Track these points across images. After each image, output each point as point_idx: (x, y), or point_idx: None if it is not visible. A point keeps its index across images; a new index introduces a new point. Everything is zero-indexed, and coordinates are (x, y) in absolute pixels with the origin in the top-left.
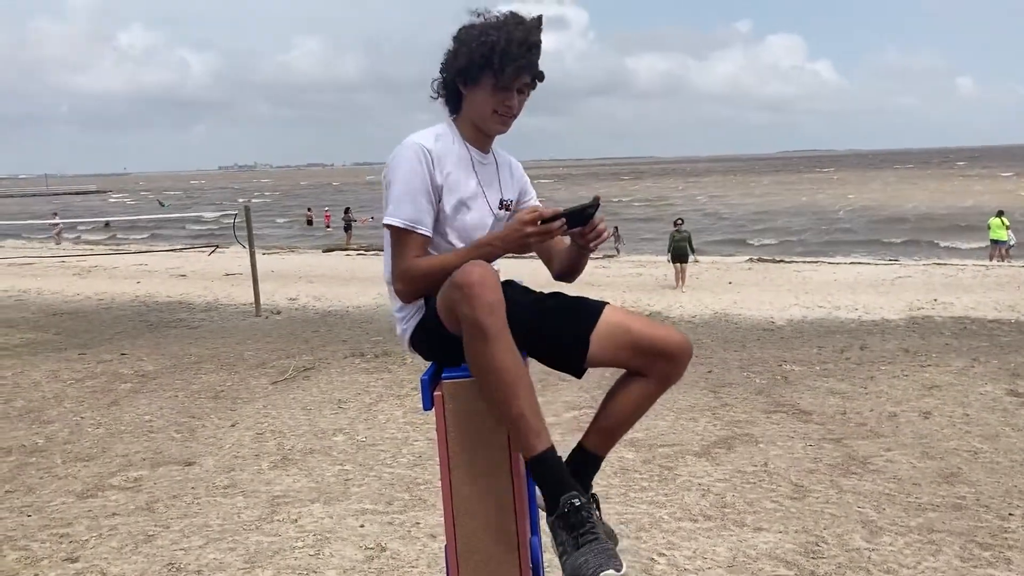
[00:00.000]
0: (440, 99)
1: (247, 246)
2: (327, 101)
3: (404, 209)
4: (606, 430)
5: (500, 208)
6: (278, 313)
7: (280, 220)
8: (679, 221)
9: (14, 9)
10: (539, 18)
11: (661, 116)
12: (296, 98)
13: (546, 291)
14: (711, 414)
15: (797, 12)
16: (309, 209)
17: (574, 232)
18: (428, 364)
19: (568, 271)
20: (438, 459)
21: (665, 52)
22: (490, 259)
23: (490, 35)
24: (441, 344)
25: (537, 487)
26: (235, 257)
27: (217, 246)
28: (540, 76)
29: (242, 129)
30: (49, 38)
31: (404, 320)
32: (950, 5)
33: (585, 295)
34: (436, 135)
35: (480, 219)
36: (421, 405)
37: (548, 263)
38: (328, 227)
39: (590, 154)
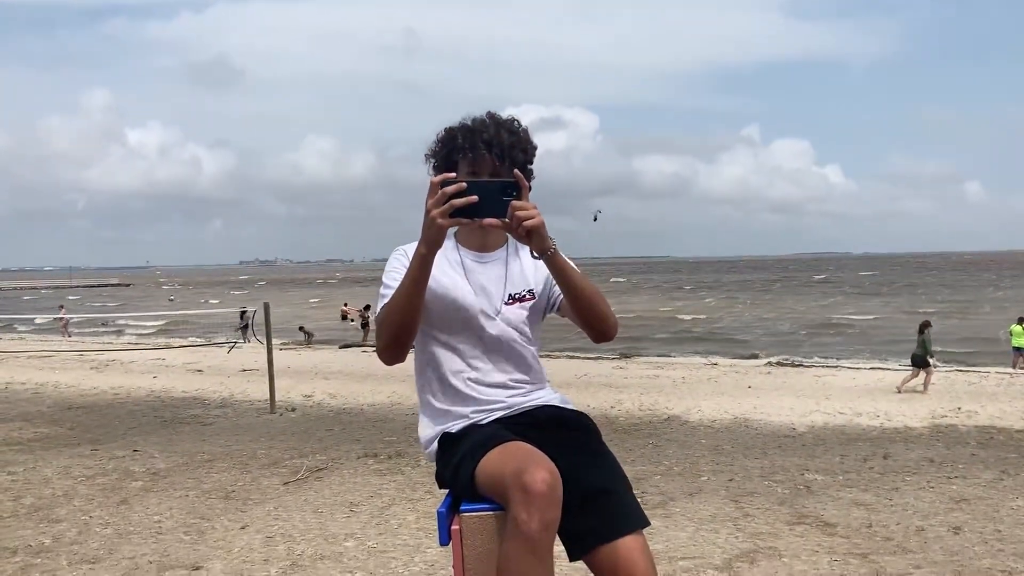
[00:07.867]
0: None
1: (264, 342)
2: (338, 200)
3: (387, 293)
4: None
5: (509, 303)
6: (293, 410)
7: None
8: (926, 324)
9: (28, 107)
10: (512, 118)
11: (672, 217)
12: (306, 198)
13: (612, 461)
14: (732, 525)
15: (804, 118)
16: (346, 304)
17: (495, 223)
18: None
19: (582, 314)
20: None
21: (672, 155)
22: (426, 265)
23: (454, 127)
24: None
25: None
26: (252, 353)
27: (236, 343)
28: (518, 163)
29: (258, 226)
30: (62, 136)
31: (428, 443)
32: (953, 113)
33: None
34: None
35: (469, 320)
36: (435, 512)
37: (579, 325)
38: (351, 320)
39: (603, 253)
